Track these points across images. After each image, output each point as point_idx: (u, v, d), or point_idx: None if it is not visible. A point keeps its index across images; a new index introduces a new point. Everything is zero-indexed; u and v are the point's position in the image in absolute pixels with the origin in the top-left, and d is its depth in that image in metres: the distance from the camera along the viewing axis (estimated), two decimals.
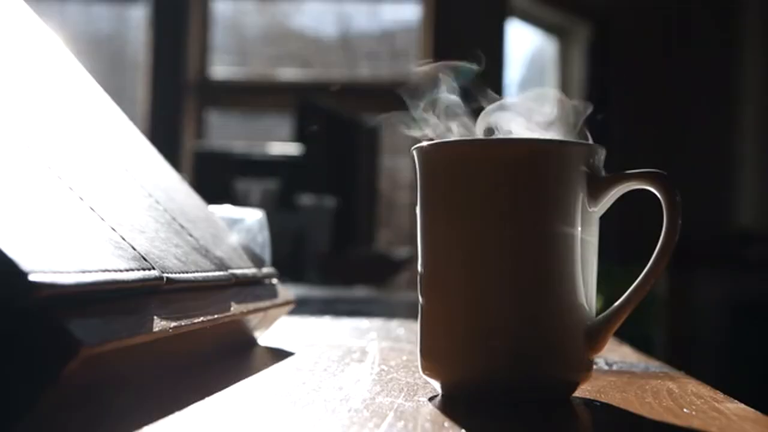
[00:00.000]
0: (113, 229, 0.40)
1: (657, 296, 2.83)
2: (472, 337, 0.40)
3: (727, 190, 3.32)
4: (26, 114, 0.43)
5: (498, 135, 0.44)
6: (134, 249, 0.40)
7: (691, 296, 2.92)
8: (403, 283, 2.45)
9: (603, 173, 0.42)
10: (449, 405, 0.39)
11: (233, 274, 0.53)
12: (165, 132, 3.37)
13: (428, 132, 0.44)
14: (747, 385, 2.65)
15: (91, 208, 0.40)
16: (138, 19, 3.59)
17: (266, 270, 0.63)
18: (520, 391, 0.40)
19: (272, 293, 0.61)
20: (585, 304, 0.41)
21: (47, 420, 0.30)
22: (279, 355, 0.55)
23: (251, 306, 0.54)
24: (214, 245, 0.55)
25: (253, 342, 0.60)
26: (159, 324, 0.38)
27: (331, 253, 2.25)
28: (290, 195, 2.25)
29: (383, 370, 0.49)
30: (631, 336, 0.79)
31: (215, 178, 2.41)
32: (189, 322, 0.41)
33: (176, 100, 3.49)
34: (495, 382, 0.40)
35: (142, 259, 0.40)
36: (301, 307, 0.88)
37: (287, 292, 0.65)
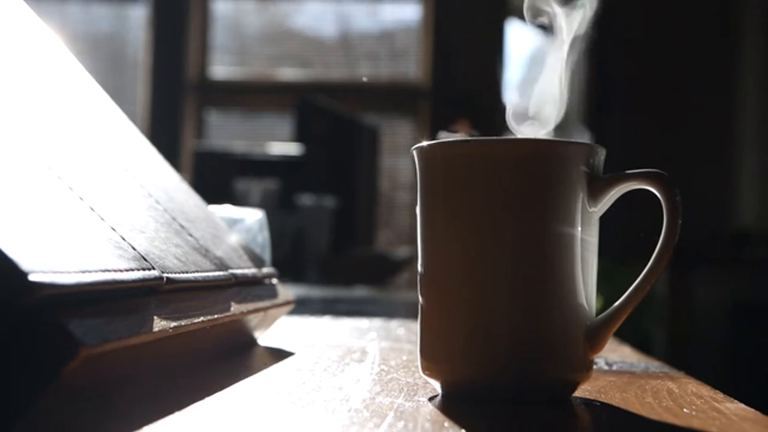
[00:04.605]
0: (113, 229, 0.40)
1: (657, 296, 2.83)
2: (472, 337, 0.40)
3: (726, 190, 3.32)
4: (26, 114, 0.43)
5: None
6: (134, 249, 0.40)
7: (691, 296, 2.92)
8: (403, 283, 2.45)
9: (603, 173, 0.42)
10: (449, 405, 0.39)
11: (233, 274, 0.53)
12: (165, 132, 3.37)
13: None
14: (747, 385, 2.65)
15: (91, 208, 0.40)
16: (138, 19, 3.59)
17: (266, 270, 0.63)
18: (520, 391, 0.40)
19: (272, 293, 0.61)
20: (585, 304, 0.41)
21: (47, 420, 0.30)
22: (279, 355, 0.55)
23: (251, 306, 0.54)
24: (214, 245, 0.55)
25: (253, 342, 0.60)
26: (159, 324, 0.38)
27: (331, 253, 2.25)
28: (290, 195, 2.24)
29: (383, 370, 0.49)
30: (631, 336, 0.79)
31: (215, 178, 2.41)
32: (189, 322, 0.41)
33: (176, 100, 3.49)
34: (495, 382, 0.40)
35: (142, 259, 0.40)
36: (301, 307, 0.88)
37: (287, 292, 0.65)
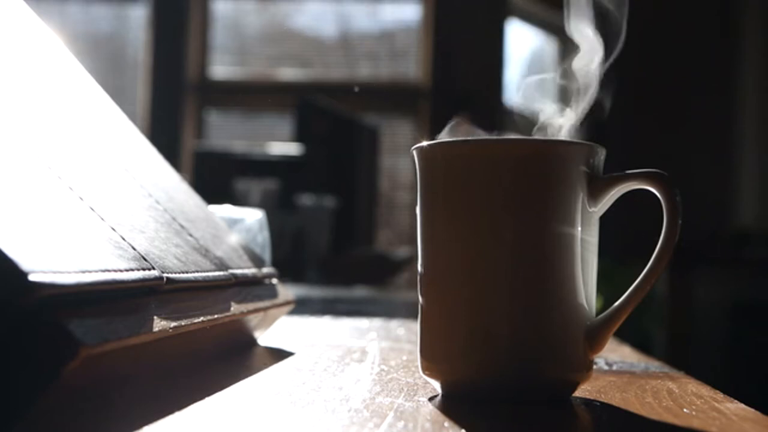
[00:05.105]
0: (113, 229, 0.40)
1: (657, 296, 2.83)
2: (472, 337, 0.40)
3: (726, 190, 3.32)
4: (26, 114, 0.43)
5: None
6: (134, 249, 0.40)
7: (691, 296, 2.92)
8: (403, 283, 2.45)
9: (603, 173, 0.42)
10: (449, 405, 0.39)
11: (233, 274, 0.53)
12: (165, 132, 3.37)
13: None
14: (747, 385, 2.65)
15: (91, 208, 0.40)
16: (138, 19, 3.59)
17: (266, 270, 0.63)
18: (520, 391, 0.40)
19: (272, 293, 0.61)
20: (585, 304, 0.41)
21: (47, 420, 0.30)
22: (279, 355, 0.55)
23: (251, 306, 0.54)
24: (214, 245, 0.55)
25: (253, 342, 0.60)
26: (159, 324, 0.38)
27: (331, 253, 2.25)
28: (290, 195, 2.24)
29: (383, 370, 0.49)
30: (631, 336, 0.79)
31: (215, 178, 2.41)
32: (189, 322, 0.41)
33: (176, 100, 3.49)
34: (495, 382, 0.40)
35: (142, 259, 0.40)
36: (301, 307, 0.88)
37: (287, 292, 0.65)
